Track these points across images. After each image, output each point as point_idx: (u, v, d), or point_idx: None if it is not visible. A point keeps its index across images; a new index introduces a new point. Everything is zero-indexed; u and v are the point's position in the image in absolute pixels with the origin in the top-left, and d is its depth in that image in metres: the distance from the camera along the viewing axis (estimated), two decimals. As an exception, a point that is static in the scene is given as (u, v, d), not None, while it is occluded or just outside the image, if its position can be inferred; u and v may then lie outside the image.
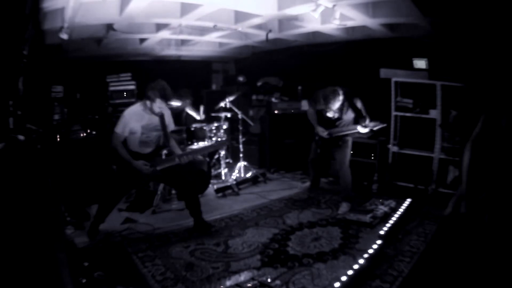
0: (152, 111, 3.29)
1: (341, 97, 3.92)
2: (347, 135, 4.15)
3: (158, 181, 4.12)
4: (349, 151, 4.21)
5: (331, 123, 4.17)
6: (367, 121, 3.94)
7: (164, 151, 3.45)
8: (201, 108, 5.85)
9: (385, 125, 4.05)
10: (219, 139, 5.24)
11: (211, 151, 5.47)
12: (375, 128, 3.96)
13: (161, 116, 3.37)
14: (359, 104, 4.10)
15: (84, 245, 3.25)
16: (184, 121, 5.49)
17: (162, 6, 3.93)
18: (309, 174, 4.97)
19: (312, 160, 4.63)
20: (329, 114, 4.12)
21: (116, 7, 3.68)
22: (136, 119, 3.27)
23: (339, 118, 4.14)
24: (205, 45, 6.16)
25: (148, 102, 3.27)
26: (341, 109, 4.07)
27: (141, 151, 3.35)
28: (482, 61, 3.93)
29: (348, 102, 4.07)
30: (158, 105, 3.25)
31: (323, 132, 4.18)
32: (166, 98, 3.24)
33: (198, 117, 5.62)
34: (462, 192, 3.25)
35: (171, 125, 3.55)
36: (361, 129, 3.94)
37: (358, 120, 4.08)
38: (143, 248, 3.22)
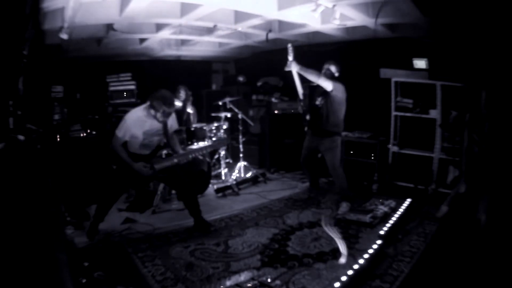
0: (155, 118, 3.28)
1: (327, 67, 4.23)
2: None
3: (157, 180, 4.13)
4: (338, 151, 4.17)
5: (318, 111, 4.14)
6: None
7: (164, 151, 3.47)
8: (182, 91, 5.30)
9: None
10: (219, 139, 5.23)
11: (211, 151, 5.45)
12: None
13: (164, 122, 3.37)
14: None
15: (84, 245, 3.24)
16: (184, 121, 5.48)
17: (162, 6, 3.92)
18: (305, 175, 4.93)
19: (303, 160, 4.50)
20: (317, 102, 4.16)
21: (116, 7, 3.68)
22: (138, 126, 3.27)
23: (322, 106, 4.12)
24: (205, 45, 6.16)
25: (152, 111, 3.25)
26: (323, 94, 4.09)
27: (141, 153, 3.38)
28: (482, 61, 3.93)
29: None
30: (163, 112, 3.23)
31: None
32: (169, 105, 3.23)
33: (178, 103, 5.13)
34: (458, 190, 3.27)
35: (174, 125, 3.55)
36: None
37: None
38: (143, 248, 3.22)
